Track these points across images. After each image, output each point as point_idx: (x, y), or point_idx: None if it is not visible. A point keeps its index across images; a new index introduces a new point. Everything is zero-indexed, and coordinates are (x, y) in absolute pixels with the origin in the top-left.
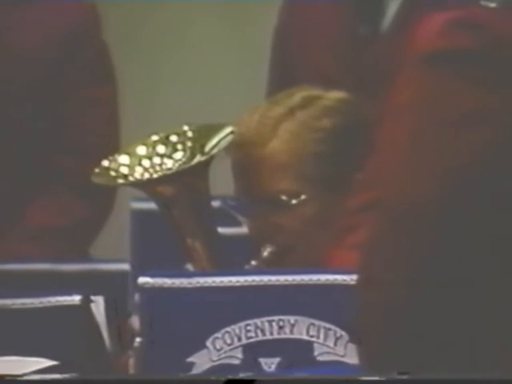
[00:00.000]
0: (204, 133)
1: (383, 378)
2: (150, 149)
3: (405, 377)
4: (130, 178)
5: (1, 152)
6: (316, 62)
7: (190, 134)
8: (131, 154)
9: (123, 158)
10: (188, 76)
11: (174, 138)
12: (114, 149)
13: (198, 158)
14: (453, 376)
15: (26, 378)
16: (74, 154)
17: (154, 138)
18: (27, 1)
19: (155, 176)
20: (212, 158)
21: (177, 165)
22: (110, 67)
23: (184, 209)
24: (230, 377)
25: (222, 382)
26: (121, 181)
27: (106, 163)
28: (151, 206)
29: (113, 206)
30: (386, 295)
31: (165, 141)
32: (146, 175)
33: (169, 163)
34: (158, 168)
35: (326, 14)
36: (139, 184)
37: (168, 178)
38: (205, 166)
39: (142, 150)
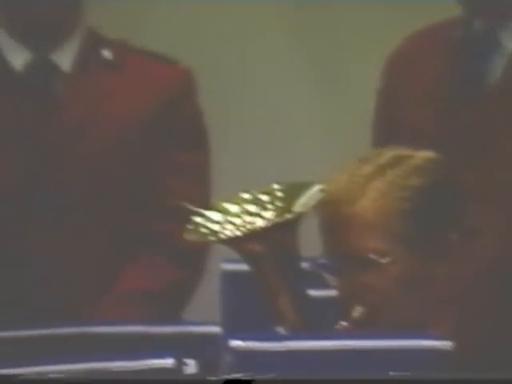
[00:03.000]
0: (293, 191)
1: (383, 378)
2: (241, 207)
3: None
4: (221, 236)
5: (94, 217)
6: (417, 121)
7: (279, 193)
8: (222, 212)
9: (214, 215)
10: (277, 133)
11: (263, 197)
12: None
13: (287, 217)
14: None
15: (26, 378)
16: (166, 217)
17: (245, 196)
18: (124, 65)
19: (245, 234)
20: (301, 216)
21: (266, 223)
22: (203, 130)
23: (273, 268)
24: (229, 377)
25: (221, 382)
26: (212, 238)
27: (197, 219)
28: (241, 267)
29: (204, 268)
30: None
31: (255, 199)
32: (237, 233)
33: (258, 222)
34: (248, 226)
35: (428, 73)
36: (230, 241)
37: (258, 237)
38: (294, 224)
39: (232, 207)
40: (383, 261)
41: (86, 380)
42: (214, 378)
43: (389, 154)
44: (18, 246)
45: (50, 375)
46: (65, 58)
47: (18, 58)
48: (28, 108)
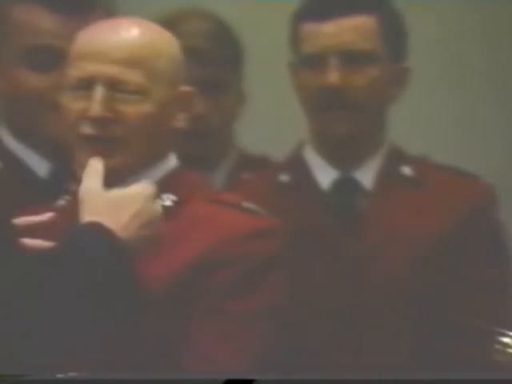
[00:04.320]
0: None
1: (383, 378)
2: None
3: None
4: None
5: (382, 332)
6: None
7: None
8: None
9: None
10: None
11: None
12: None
13: None
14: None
15: (26, 378)
16: (469, 337)
17: None
18: (424, 181)
19: None
20: None
21: None
22: (506, 246)
23: None
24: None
25: (221, 382)
26: None
27: (506, 340)
28: None
29: None
30: None
31: None
32: None
33: None
34: None
35: None
36: None
37: None
38: None
39: None
40: None
41: (87, 380)
42: (214, 378)
43: None
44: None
45: (50, 376)
46: (367, 176)
47: (326, 177)
48: (333, 224)
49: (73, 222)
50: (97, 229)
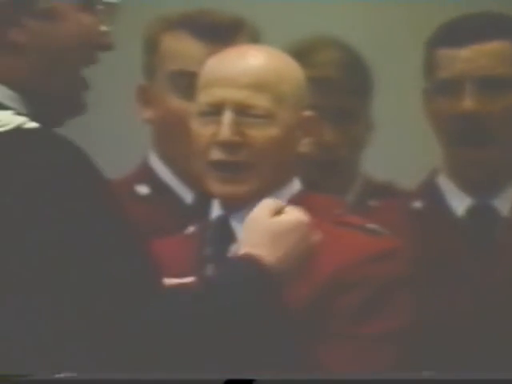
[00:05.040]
0: None
1: (383, 378)
2: None
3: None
4: None
5: None
6: None
7: None
8: None
9: None
10: None
11: None
12: None
13: None
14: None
15: (26, 378)
16: None
17: None
18: None
19: None
20: None
21: None
22: None
23: None
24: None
25: (222, 382)
26: None
27: None
28: None
29: None
30: None
31: None
32: None
33: None
34: None
35: None
36: None
37: None
38: None
39: None
40: None
41: (87, 380)
42: (214, 378)
43: None
44: None
45: (50, 376)
46: (504, 203)
47: (460, 204)
48: (468, 250)
49: (199, 251)
50: (253, 262)
